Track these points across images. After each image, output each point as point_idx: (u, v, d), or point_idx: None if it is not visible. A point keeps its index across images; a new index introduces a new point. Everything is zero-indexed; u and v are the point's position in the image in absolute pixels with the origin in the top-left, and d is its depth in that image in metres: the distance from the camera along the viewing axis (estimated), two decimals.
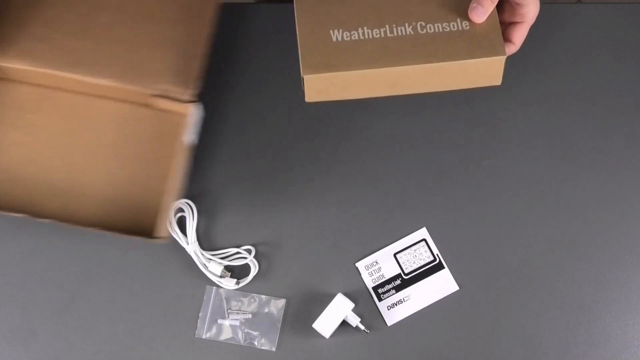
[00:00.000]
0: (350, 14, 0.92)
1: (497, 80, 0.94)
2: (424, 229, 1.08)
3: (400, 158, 1.11)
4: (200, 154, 1.12)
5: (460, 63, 0.90)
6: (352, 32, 0.91)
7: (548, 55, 1.13)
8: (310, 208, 1.09)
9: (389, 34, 0.91)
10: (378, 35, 0.91)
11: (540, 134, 1.11)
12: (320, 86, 0.91)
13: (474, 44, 0.91)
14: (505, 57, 0.91)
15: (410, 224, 1.09)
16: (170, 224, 1.08)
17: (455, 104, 1.11)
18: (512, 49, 0.95)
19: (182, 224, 1.09)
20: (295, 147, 1.12)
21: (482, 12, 0.91)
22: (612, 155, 1.10)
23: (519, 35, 0.94)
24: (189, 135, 1.04)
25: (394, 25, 0.92)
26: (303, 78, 0.90)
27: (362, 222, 1.09)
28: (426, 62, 0.90)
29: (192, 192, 1.10)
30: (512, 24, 0.95)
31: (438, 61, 0.90)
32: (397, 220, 1.09)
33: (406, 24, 0.92)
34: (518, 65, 1.12)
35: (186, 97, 1.03)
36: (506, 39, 0.94)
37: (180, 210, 1.09)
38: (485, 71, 0.92)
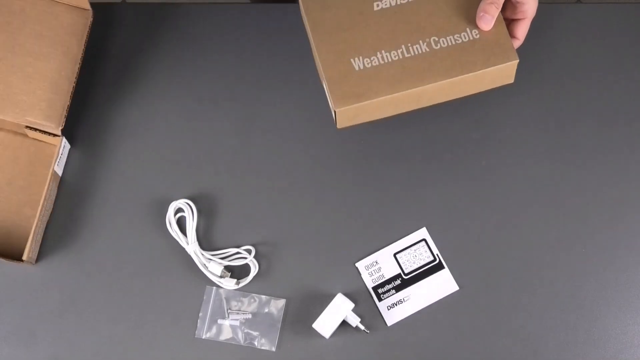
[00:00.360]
0: (366, 39, 0.95)
1: (511, 79, 0.97)
2: (424, 229, 1.08)
3: (401, 158, 1.11)
4: (200, 154, 1.12)
5: (478, 73, 0.94)
6: (371, 58, 0.94)
7: (548, 55, 1.13)
8: (310, 208, 1.09)
9: (406, 55, 0.94)
10: (396, 57, 0.94)
11: (540, 134, 1.11)
12: (350, 115, 0.94)
13: (488, 52, 0.94)
14: (518, 61, 0.94)
15: (410, 224, 1.09)
16: (170, 224, 1.08)
17: (455, 104, 1.11)
18: (517, 43, 0.98)
19: (182, 224, 1.09)
20: (295, 148, 1.12)
21: (489, 19, 0.94)
22: (612, 155, 1.10)
23: (522, 30, 0.98)
24: (58, 166, 1.07)
25: (409, 45, 0.95)
26: (335, 111, 0.93)
27: (362, 222, 1.09)
28: (446, 78, 0.93)
29: (192, 192, 1.10)
30: (514, 20, 0.98)
31: (457, 75, 0.93)
32: (397, 220, 1.09)
33: (420, 42, 0.95)
34: (518, 65, 1.12)
35: (55, 131, 1.06)
36: (510, 34, 0.97)
37: (180, 210, 1.09)
38: (500, 75, 0.95)
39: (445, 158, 1.10)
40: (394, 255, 1.08)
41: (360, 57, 0.95)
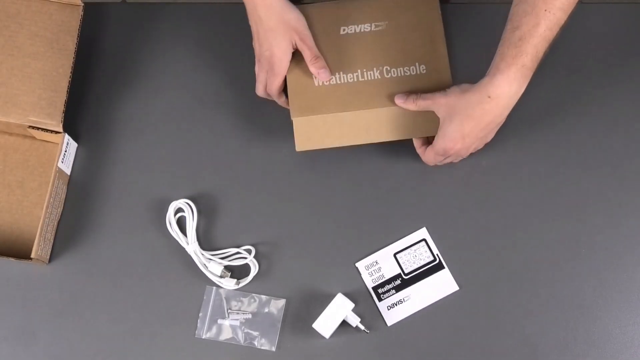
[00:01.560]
0: (328, 59, 1.06)
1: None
2: (424, 229, 1.08)
3: (400, 158, 1.11)
4: (200, 154, 1.12)
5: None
6: (330, 77, 1.06)
7: (548, 54, 1.13)
8: (310, 208, 1.09)
9: (360, 79, 1.06)
10: (352, 80, 1.06)
11: (540, 133, 1.11)
12: (306, 127, 1.05)
13: (432, 86, 1.04)
14: None
15: (410, 224, 1.09)
16: (170, 224, 1.08)
17: None
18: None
19: (182, 224, 1.09)
20: (294, 147, 1.11)
21: (401, 102, 1.05)
22: (612, 155, 1.10)
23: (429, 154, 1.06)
24: (63, 164, 1.08)
25: (364, 70, 1.07)
26: (293, 120, 1.05)
27: (362, 222, 1.09)
28: (389, 105, 1.05)
29: (192, 192, 1.10)
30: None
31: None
32: (397, 220, 1.09)
33: (374, 69, 1.07)
34: None
35: (57, 128, 1.08)
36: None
37: (180, 210, 1.09)
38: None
39: None
40: (394, 255, 1.08)
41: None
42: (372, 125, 1.06)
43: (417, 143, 1.07)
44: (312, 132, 1.05)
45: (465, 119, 0.98)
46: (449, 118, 0.99)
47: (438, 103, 1.00)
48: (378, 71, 1.06)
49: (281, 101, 1.08)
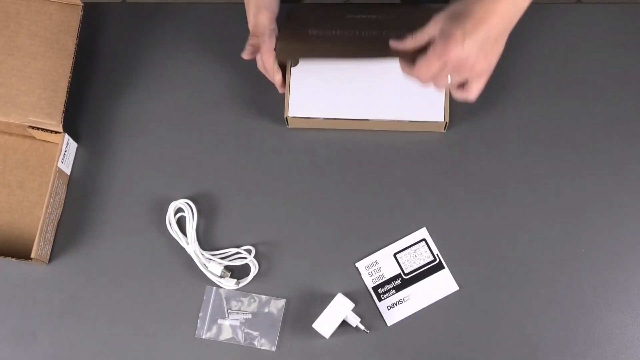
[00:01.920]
0: (327, 23, 1.06)
1: None
2: (424, 229, 1.08)
3: (401, 157, 1.11)
4: (200, 154, 1.12)
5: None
6: (326, 30, 1.05)
7: (548, 55, 1.13)
8: (310, 208, 1.09)
9: (357, 34, 1.05)
10: (349, 34, 1.05)
11: (540, 133, 1.11)
12: (289, 49, 1.04)
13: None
14: None
15: (410, 224, 1.09)
16: (170, 224, 1.08)
17: (455, 104, 1.11)
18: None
19: (182, 224, 1.09)
20: (294, 147, 1.12)
21: (399, 44, 0.95)
22: (612, 155, 1.10)
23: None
24: (63, 164, 1.08)
25: (363, 31, 1.05)
26: (276, 43, 1.04)
27: (362, 222, 1.09)
28: (385, 55, 0.98)
29: (192, 192, 1.10)
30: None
31: (395, 56, 0.97)
32: (397, 220, 1.09)
33: (373, 31, 1.05)
34: (517, 65, 1.12)
35: (57, 128, 1.08)
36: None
37: (180, 210, 1.09)
38: None
39: (445, 158, 1.10)
40: (394, 255, 1.08)
41: (316, 29, 1.06)
42: (360, 44, 1.04)
43: (402, 63, 0.97)
44: (296, 45, 1.05)
45: (465, 16, 0.88)
46: (448, 22, 0.89)
47: (436, 21, 0.91)
48: (376, 32, 1.04)
49: (276, 79, 1.07)
